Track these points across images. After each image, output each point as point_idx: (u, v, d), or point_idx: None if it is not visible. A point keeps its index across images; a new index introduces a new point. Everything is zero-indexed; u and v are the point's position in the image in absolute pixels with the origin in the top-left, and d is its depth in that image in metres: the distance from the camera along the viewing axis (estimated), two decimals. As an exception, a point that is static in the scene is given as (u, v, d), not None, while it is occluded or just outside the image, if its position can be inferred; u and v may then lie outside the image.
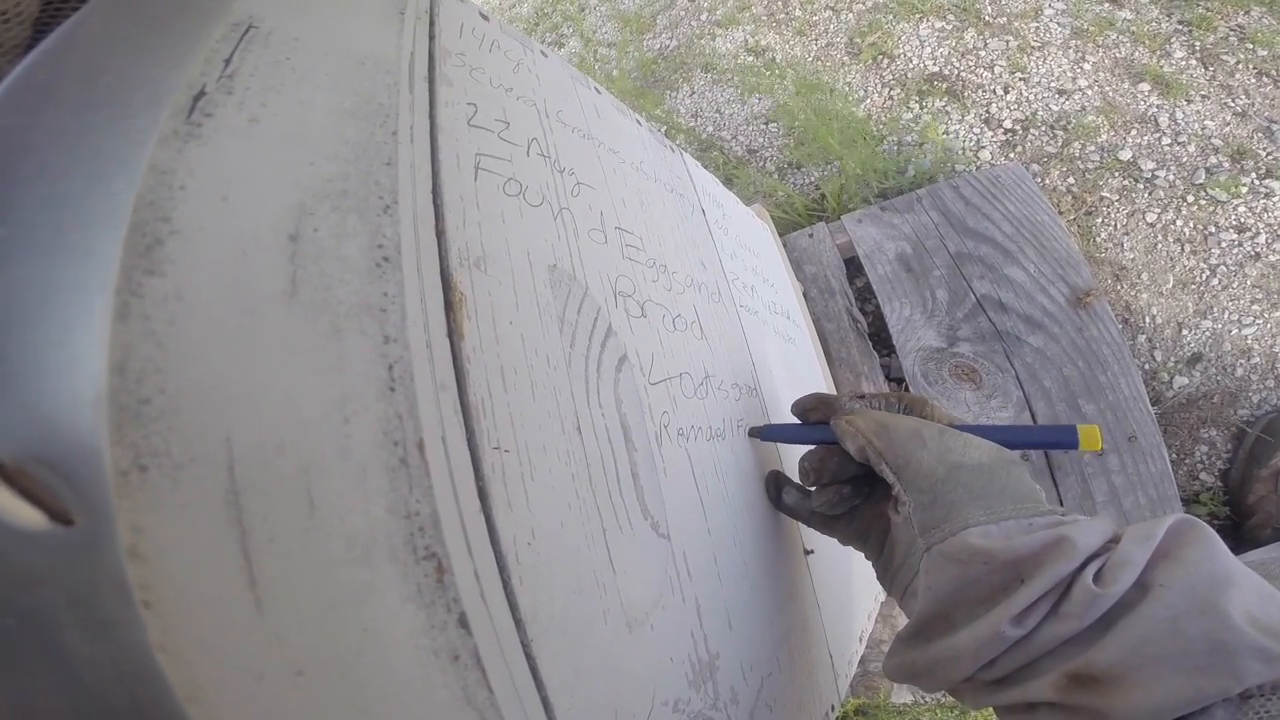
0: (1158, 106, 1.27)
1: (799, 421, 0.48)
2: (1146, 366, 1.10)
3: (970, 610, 0.34)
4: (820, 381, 0.89)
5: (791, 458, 0.56)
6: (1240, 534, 0.99)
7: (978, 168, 1.32)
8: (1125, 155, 1.24)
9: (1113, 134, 1.27)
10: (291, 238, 0.22)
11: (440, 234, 0.30)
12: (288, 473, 0.19)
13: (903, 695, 1.04)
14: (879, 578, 0.43)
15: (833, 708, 0.53)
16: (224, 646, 0.16)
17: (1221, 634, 0.27)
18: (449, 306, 0.28)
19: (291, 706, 0.17)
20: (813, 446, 0.46)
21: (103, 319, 0.16)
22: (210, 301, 0.19)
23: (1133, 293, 1.14)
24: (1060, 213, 1.20)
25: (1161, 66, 1.31)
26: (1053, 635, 0.31)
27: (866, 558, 0.44)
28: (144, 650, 0.15)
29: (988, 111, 1.39)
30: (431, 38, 0.38)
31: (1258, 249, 1.10)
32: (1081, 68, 1.37)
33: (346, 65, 0.30)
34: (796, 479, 0.48)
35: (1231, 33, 1.32)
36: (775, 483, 0.51)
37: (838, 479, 0.44)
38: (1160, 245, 1.15)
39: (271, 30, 0.28)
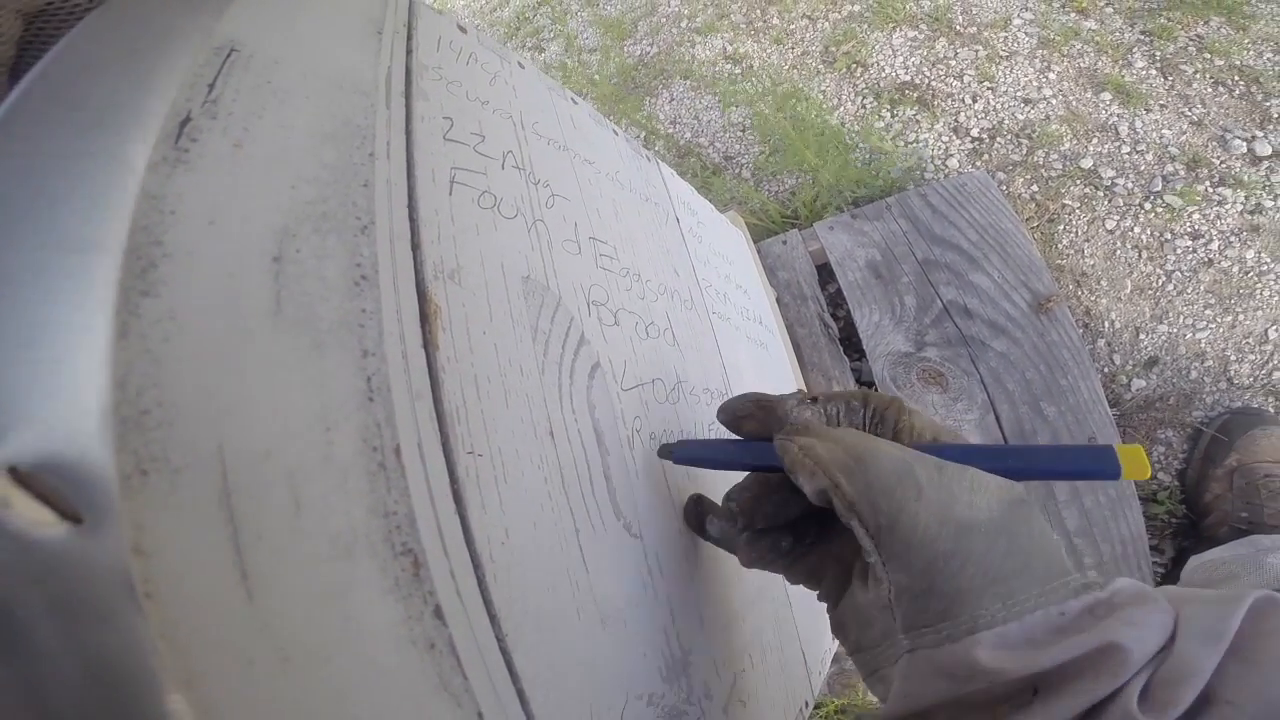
0: (1118, 115, 1.31)
1: (724, 437, 0.37)
2: (1105, 370, 1.13)
3: (955, 717, 0.26)
4: (792, 386, 0.91)
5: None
6: (1198, 532, 1.01)
7: (945, 176, 1.35)
8: (1087, 163, 1.27)
9: (1075, 142, 1.31)
10: (275, 259, 0.23)
11: (415, 248, 0.31)
12: (275, 477, 0.21)
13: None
14: (833, 630, 0.33)
15: (806, 704, 0.54)
16: (218, 634, 0.18)
17: None
18: (424, 319, 0.30)
19: (279, 690, 0.19)
20: (745, 472, 0.36)
21: (104, 338, 0.18)
22: (201, 320, 0.21)
23: (1093, 298, 1.17)
24: (1024, 220, 1.23)
25: (1123, 76, 1.35)
26: None
27: (819, 600, 0.34)
28: (146, 637, 0.16)
29: (956, 120, 1.42)
30: (409, 52, 0.39)
31: (1211, 255, 1.14)
32: (1047, 77, 1.41)
33: (325, 87, 0.31)
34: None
35: (1191, 42, 1.36)
36: (695, 509, 0.41)
37: (776, 523, 0.34)
38: (1119, 252, 1.19)
39: (253, 53, 0.28)
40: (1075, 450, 0.28)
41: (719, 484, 0.49)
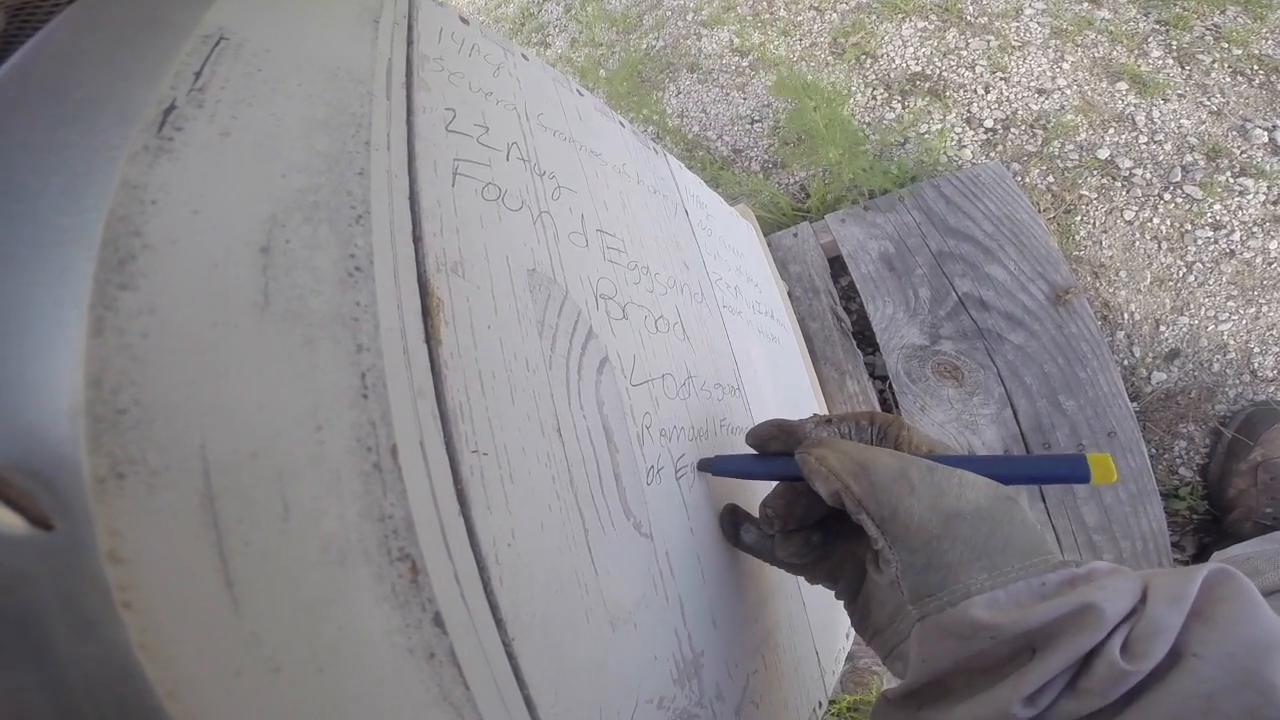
0: (1135, 105, 1.29)
1: (754, 452, 0.42)
2: (1125, 362, 1.11)
3: (971, 680, 0.30)
4: (805, 380, 0.90)
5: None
6: (1221, 528, 0.99)
7: (959, 167, 1.33)
8: (1103, 154, 1.25)
9: (1091, 133, 1.28)
10: (263, 250, 0.22)
11: (417, 240, 0.30)
12: (262, 479, 0.20)
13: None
14: (853, 623, 0.38)
15: (820, 704, 0.53)
16: (202, 644, 0.17)
17: (1266, 710, 0.23)
18: (426, 312, 0.29)
19: (269, 702, 0.18)
20: (773, 483, 0.41)
21: (78, 333, 0.17)
22: (183, 315, 0.20)
23: (1111, 290, 1.15)
24: (1040, 211, 1.21)
25: (1139, 65, 1.33)
26: (1067, 713, 0.27)
27: (837, 598, 0.39)
28: (125, 648, 0.15)
29: (969, 111, 1.40)
30: (409, 43, 0.38)
31: (1232, 246, 1.11)
32: (1060, 67, 1.38)
33: (318, 76, 0.30)
34: (756, 510, 0.43)
35: (1208, 31, 1.33)
36: (731, 518, 0.45)
37: (805, 524, 0.39)
38: (1138, 243, 1.17)
39: (243, 42, 0.28)
40: (1050, 459, 0.34)
41: (721, 483, 0.49)
